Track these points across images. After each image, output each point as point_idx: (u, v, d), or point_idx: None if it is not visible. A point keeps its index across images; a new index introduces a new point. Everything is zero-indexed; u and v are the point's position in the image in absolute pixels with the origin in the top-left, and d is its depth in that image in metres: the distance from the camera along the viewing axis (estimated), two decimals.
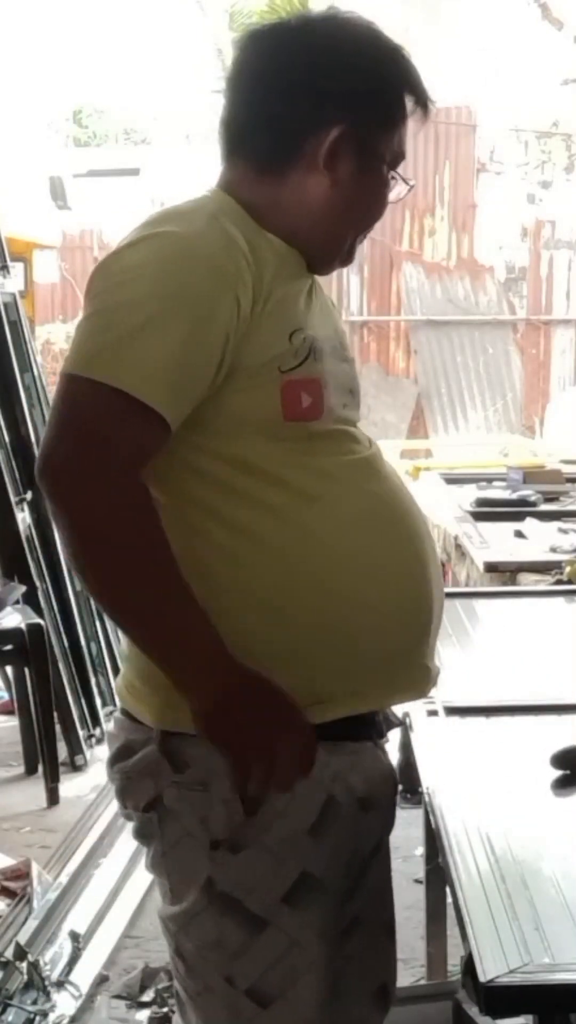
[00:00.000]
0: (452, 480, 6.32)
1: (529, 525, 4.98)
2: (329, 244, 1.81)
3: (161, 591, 1.62)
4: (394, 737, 1.94)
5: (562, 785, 1.92)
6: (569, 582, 3.73)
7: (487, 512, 5.31)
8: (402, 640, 1.76)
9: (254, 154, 1.78)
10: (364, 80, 1.75)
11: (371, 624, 1.73)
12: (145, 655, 1.69)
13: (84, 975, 3.36)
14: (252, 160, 1.78)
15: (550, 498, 5.56)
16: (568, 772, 1.94)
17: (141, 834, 1.83)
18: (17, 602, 4.86)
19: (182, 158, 15.14)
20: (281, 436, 1.70)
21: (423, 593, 1.77)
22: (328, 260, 1.82)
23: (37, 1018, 3.13)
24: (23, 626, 4.69)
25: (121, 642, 1.86)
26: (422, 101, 1.79)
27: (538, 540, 4.68)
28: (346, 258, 1.85)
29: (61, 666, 5.13)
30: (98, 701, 5.38)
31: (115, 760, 1.83)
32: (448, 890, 1.74)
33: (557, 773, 1.94)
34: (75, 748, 5.08)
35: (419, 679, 1.81)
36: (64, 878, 3.91)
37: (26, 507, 5.24)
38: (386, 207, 1.84)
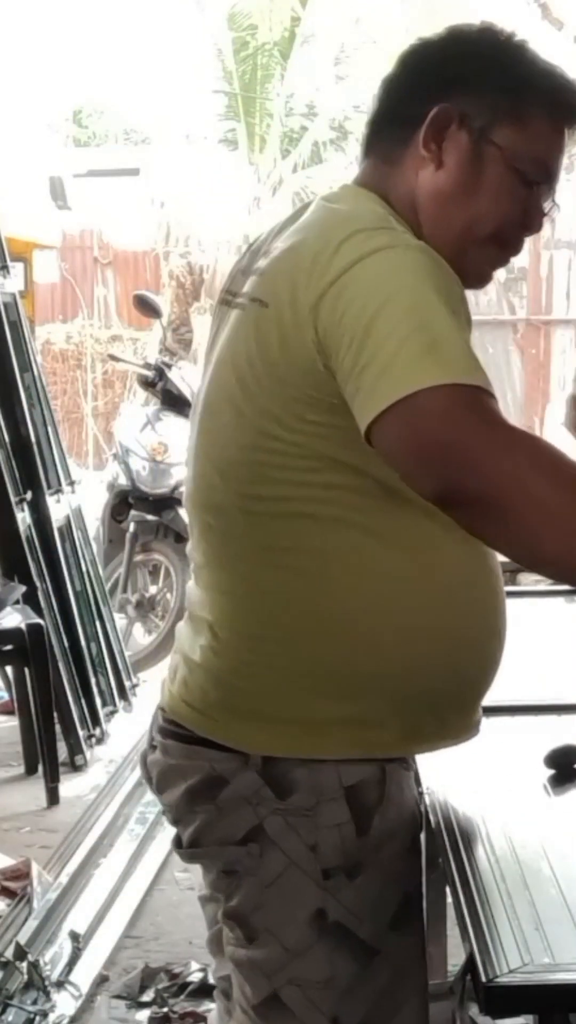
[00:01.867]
0: None
1: None
2: (452, 247, 1.67)
3: None
4: None
5: (559, 785, 1.92)
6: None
7: None
8: (485, 689, 1.78)
9: (381, 148, 1.74)
10: (483, 65, 1.70)
11: (479, 671, 1.74)
12: None
13: (84, 975, 3.36)
14: (379, 153, 1.74)
15: None
16: (559, 771, 1.94)
17: (229, 871, 1.71)
18: (17, 602, 4.86)
19: (182, 158, 15.14)
20: None
21: (502, 643, 1.77)
22: (455, 270, 1.64)
23: (37, 1018, 3.13)
24: (23, 626, 4.69)
25: (193, 672, 1.75)
26: (566, 110, 1.70)
27: None
28: (480, 277, 1.75)
29: (61, 666, 5.13)
30: (98, 701, 5.38)
31: (200, 794, 1.71)
32: (448, 890, 1.74)
33: (552, 773, 1.94)
34: (75, 748, 5.09)
35: (477, 723, 1.83)
36: (64, 878, 3.91)
37: (26, 507, 5.24)
38: (520, 218, 1.72)
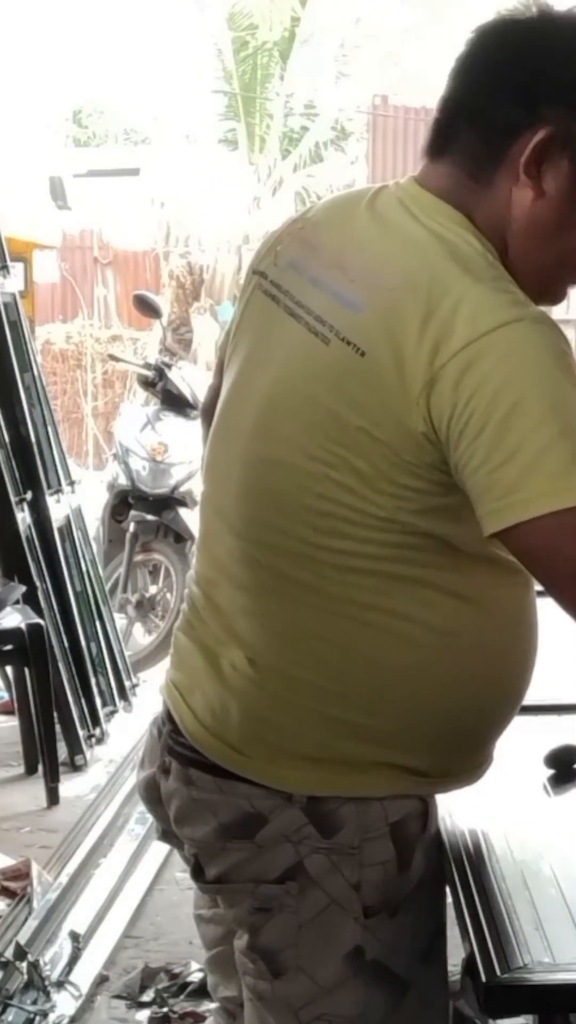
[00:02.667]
0: None
1: None
2: (536, 273, 1.58)
3: None
4: None
5: (559, 784, 1.92)
6: None
7: None
8: (500, 731, 1.75)
9: (461, 154, 1.58)
10: None
11: (512, 708, 1.71)
12: None
13: (84, 975, 3.36)
14: (459, 161, 1.58)
15: None
16: (559, 771, 1.94)
17: (263, 907, 1.64)
18: (17, 602, 4.86)
19: (182, 158, 15.15)
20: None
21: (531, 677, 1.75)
22: (533, 291, 1.55)
23: (37, 1018, 3.13)
24: (23, 626, 4.69)
25: (223, 701, 1.65)
26: None
27: None
28: (555, 296, 1.64)
29: (61, 666, 5.13)
30: (98, 701, 5.38)
31: (234, 831, 1.64)
32: (448, 890, 1.74)
33: (553, 773, 1.94)
34: (75, 748, 5.09)
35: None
36: (64, 878, 3.91)
37: (26, 507, 5.24)
38: None
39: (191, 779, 1.67)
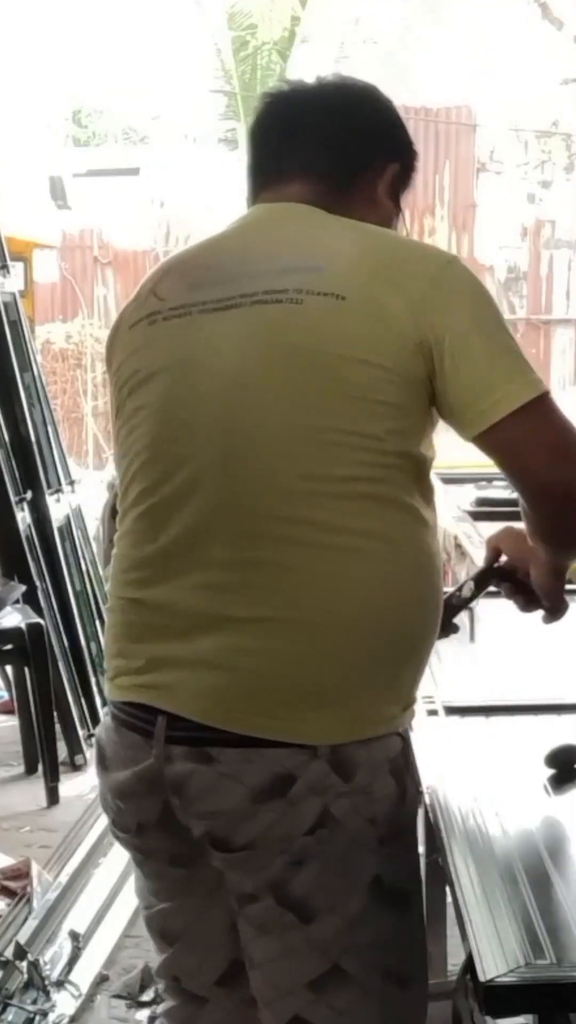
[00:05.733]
0: (451, 480, 6.30)
1: None
2: None
3: None
4: None
5: (559, 784, 1.92)
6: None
7: (486, 512, 5.29)
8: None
9: (312, 177, 1.91)
10: (404, 130, 1.99)
11: (430, 646, 1.88)
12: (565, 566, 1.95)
13: (84, 975, 3.36)
14: (313, 180, 1.90)
15: None
16: (559, 771, 1.94)
17: (296, 861, 1.75)
18: (17, 602, 4.86)
19: (182, 158, 15.16)
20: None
21: None
22: None
23: (37, 1018, 3.13)
24: (23, 626, 4.69)
25: (236, 674, 1.75)
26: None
27: None
28: None
29: (61, 666, 5.13)
30: (98, 701, 5.38)
31: (266, 793, 1.73)
32: (448, 890, 1.74)
33: (552, 772, 1.94)
34: (75, 748, 5.09)
35: None
36: (64, 878, 3.91)
37: (26, 507, 5.24)
38: None
39: (211, 756, 1.75)
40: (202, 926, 1.92)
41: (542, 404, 1.72)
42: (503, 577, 2.07)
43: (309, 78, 2.00)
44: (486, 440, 1.74)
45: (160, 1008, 2.11)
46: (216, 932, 1.90)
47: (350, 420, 1.73)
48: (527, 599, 2.05)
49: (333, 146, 1.92)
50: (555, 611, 2.05)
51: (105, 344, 2.01)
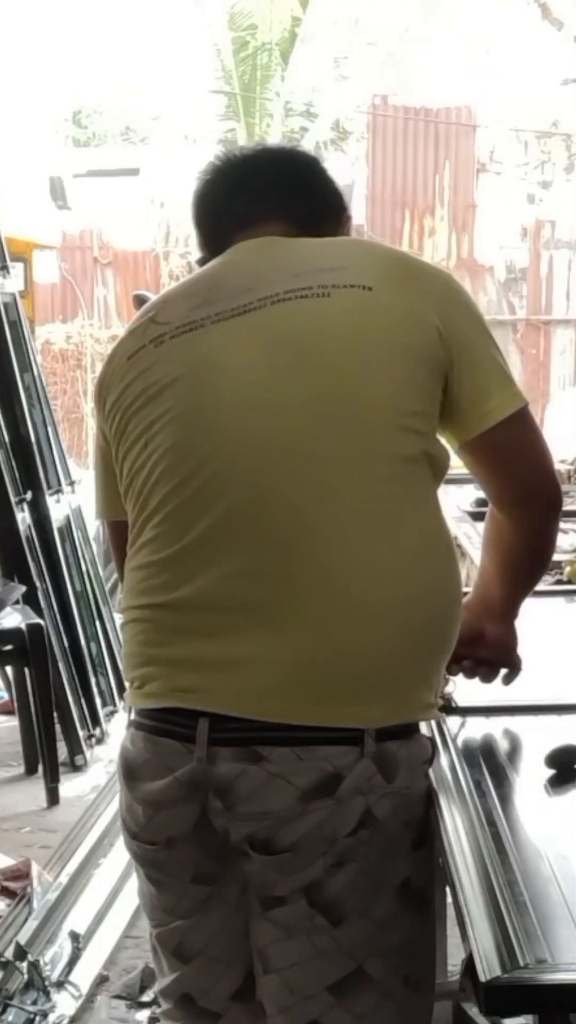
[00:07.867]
0: (451, 480, 6.24)
1: None
2: None
3: None
4: None
5: (559, 784, 1.92)
6: (569, 582, 3.73)
7: (486, 512, 5.30)
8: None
9: (300, 214, 1.98)
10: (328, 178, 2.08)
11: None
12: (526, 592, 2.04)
13: (84, 975, 3.36)
14: (296, 220, 1.97)
15: None
16: (559, 771, 1.94)
17: (338, 862, 1.77)
18: (17, 602, 4.87)
19: (181, 158, 15.15)
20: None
21: None
22: None
23: (37, 1018, 3.13)
24: (23, 626, 4.69)
25: (281, 666, 1.75)
26: None
27: None
28: None
29: (61, 666, 5.13)
30: (98, 701, 5.38)
31: (316, 792, 1.75)
32: (448, 890, 1.74)
33: (553, 772, 1.94)
34: (75, 748, 5.09)
35: None
36: (64, 878, 3.91)
37: (26, 507, 5.24)
38: None
39: (260, 756, 1.76)
40: (222, 940, 1.89)
41: (528, 414, 1.87)
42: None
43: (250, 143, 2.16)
44: (486, 440, 1.87)
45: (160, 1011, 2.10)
46: (234, 945, 1.88)
47: (392, 409, 1.79)
48: (488, 670, 2.10)
49: (301, 192, 1.99)
50: (515, 669, 2.11)
51: (96, 385, 1.99)
